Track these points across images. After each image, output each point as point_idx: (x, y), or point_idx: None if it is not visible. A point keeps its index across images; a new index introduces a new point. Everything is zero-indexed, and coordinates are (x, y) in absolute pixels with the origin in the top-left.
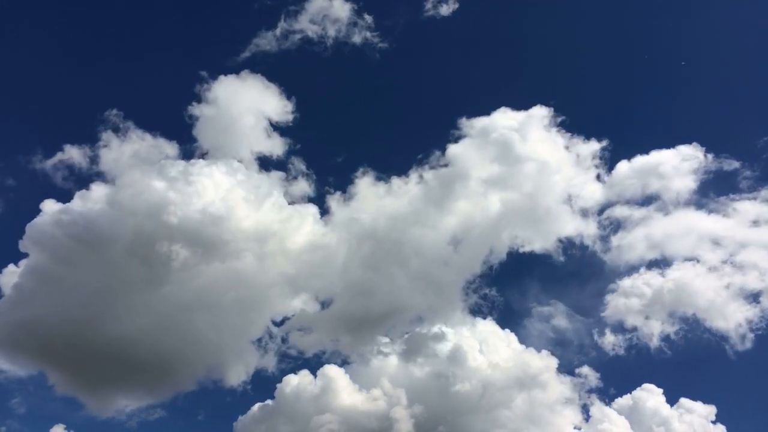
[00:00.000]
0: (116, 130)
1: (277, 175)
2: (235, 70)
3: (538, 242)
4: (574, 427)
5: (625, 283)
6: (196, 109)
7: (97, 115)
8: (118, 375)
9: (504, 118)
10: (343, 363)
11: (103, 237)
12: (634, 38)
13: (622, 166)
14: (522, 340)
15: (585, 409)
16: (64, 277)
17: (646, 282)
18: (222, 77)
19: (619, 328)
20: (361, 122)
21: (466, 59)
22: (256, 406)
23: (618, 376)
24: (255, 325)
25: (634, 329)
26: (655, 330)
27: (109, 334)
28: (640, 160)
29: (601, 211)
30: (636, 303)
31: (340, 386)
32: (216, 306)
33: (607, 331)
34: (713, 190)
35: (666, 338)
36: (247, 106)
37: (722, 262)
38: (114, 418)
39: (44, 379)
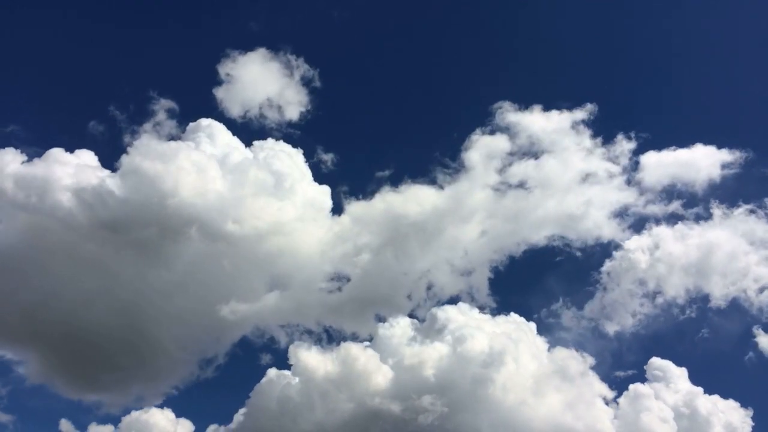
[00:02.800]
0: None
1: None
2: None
3: (564, 241)
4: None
5: (654, 281)
6: (215, 89)
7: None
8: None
9: (535, 116)
10: (364, 341)
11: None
12: (677, 40)
13: (656, 167)
14: (545, 334)
15: (617, 403)
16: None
17: (674, 277)
18: (244, 54)
19: (646, 321)
20: (389, 112)
21: (496, 57)
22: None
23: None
24: (270, 303)
25: (661, 323)
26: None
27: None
28: (674, 161)
29: (632, 212)
30: (662, 298)
31: (358, 365)
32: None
33: (634, 326)
34: (752, 193)
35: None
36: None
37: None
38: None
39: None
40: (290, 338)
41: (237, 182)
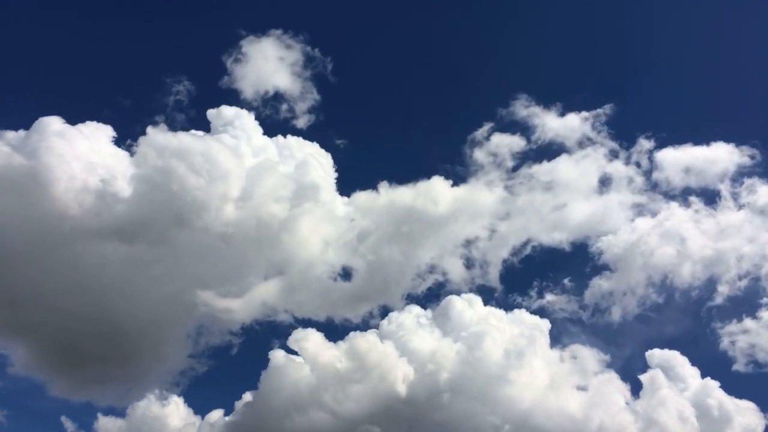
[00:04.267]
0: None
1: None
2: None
3: (579, 240)
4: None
5: (668, 271)
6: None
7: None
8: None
9: (553, 116)
10: (369, 330)
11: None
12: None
13: (674, 165)
14: (557, 331)
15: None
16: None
17: (686, 267)
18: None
19: (657, 314)
20: (402, 104)
21: (514, 56)
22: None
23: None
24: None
25: (674, 315)
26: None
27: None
28: (692, 158)
29: (649, 211)
30: (677, 289)
31: (364, 354)
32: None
33: (647, 320)
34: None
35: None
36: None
37: None
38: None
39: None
40: (293, 326)
41: (257, 185)
